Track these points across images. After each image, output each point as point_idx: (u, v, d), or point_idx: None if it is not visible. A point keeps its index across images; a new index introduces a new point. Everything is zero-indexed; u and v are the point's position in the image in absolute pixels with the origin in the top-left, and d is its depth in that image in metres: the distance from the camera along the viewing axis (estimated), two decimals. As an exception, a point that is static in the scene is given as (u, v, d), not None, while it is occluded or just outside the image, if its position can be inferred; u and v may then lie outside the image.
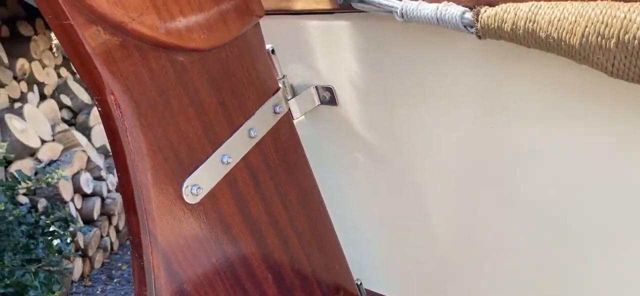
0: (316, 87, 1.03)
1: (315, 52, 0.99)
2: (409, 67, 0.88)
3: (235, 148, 0.87)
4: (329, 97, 1.03)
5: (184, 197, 0.79)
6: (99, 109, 0.71)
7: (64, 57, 4.53)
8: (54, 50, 4.28)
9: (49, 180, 2.42)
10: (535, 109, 0.78)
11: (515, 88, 0.79)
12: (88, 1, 0.62)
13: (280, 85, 0.99)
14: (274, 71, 0.98)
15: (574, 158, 0.78)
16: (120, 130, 0.70)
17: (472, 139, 0.87)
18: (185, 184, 0.79)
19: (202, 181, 0.81)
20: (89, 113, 4.31)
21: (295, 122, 1.03)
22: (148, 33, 0.69)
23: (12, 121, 3.33)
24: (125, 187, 0.74)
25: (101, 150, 4.18)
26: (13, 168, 3.02)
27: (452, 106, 0.86)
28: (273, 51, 0.98)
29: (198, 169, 0.81)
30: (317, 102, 1.04)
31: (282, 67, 1.00)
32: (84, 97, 4.43)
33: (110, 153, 4.30)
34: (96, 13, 0.64)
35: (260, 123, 0.92)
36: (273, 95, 0.96)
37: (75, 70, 0.74)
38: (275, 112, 0.96)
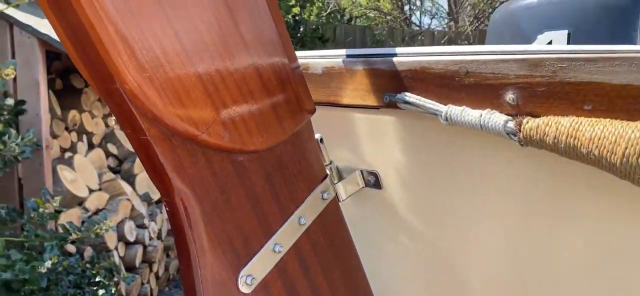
0: (361, 171, 1.08)
1: (361, 141, 1.04)
2: (452, 163, 0.92)
3: (286, 237, 0.92)
4: (373, 181, 1.08)
5: (240, 287, 0.84)
6: (167, 209, 0.77)
7: (111, 107, 4.73)
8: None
9: (98, 231, 2.53)
10: (578, 216, 0.80)
11: (558, 192, 0.82)
12: (163, 119, 0.69)
13: (327, 171, 1.04)
14: (322, 158, 1.04)
15: (620, 268, 0.80)
16: (186, 228, 0.77)
17: (512, 238, 0.90)
18: (240, 275, 0.84)
19: (255, 271, 0.86)
20: (133, 162, 4.47)
21: (342, 201, 1.08)
22: (215, 142, 0.76)
23: (63, 172, 3.49)
24: (186, 279, 0.80)
25: (144, 197, 4.32)
26: (63, 218, 3.16)
27: (493, 204, 0.89)
28: (321, 140, 1.03)
29: (252, 260, 0.86)
30: (362, 185, 1.09)
31: (329, 153, 1.06)
32: (129, 145, 4.61)
33: (153, 201, 4.44)
34: (170, 129, 0.71)
35: (309, 211, 0.97)
36: (321, 182, 1.01)
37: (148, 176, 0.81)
38: (323, 198, 1.01)
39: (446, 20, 9.34)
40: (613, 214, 0.78)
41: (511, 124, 0.76)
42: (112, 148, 4.49)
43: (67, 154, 3.89)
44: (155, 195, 4.47)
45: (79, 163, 3.80)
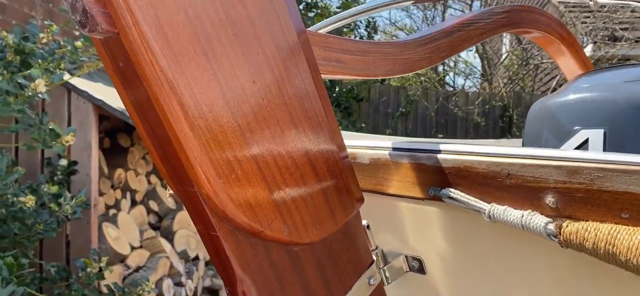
0: (406, 256, 1.14)
1: (406, 229, 1.10)
2: (495, 255, 0.97)
3: (334, 322, 0.97)
4: (417, 266, 1.13)
5: None
6: (229, 297, 0.84)
7: (154, 165, 4.92)
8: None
9: (140, 292, 2.61)
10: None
11: (598, 289, 0.85)
12: (233, 219, 0.77)
13: (373, 256, 1.10)
14: (369, 244, 1.10)
15: None
16: (246, 316, 0.83)
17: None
18: (294, 359, 0.89)
19: (308, 355, 0.91)
20: (173, 218, 4.60)
21: (387, 285, 1.13)
22: (275, 236, 0.83)
23: (108, 229, 3.63)
24: None
25: (182, 254, 4.42)
26: (106, 275, 3.27)
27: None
28: (368, 226, 1.10)
29: (304, 344, 0.91)
30: (406, 269, 1.14)
31: (374, 238, 1.12)
32: (170, 202, 4.75)
33: (190, 259, 4.53)
34: (238, 226, 0.79)
35: (356, 296, 1.02)
36: (368, 268, 1.06)
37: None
38: (369, 284, 1.06)
39: (480, 81, 9.40)
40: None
41: (551, 226, 0.81)
42: (153, 205, 4.64)
43: (112, 211, 4.05)
44: (193, 253, 4.56)
45: (122, 221, 3.94)
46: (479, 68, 9.24)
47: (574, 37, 1.74)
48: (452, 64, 8.96)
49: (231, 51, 0.76)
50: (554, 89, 8.74)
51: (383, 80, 9.69)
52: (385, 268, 1.11)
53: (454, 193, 0.94)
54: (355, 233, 1.05)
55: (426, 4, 8.70)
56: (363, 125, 7.75)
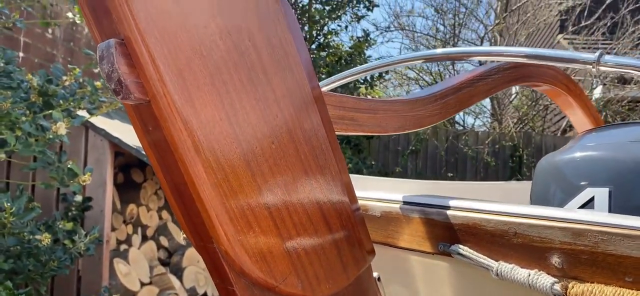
0: (415, 308, 1.16)
1: (416, 281, 1.13)
2: (503, 312, 0.99)
3: None
4: (427, 318, 1.15)
5: None
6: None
7: (165, 200, 4.97)
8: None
9: (150, 330, 2.62)
10: None
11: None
12: (250, 275, 0.81)
13: (383, 308, 1.12)
14: None
15: None
16: None
17: None
18: None
19: None
20: (182, 254, 4.62)
21: (394, 337, 1.15)
22: (289, 291, 0.86)
23: (118, 265, 3.66)
24: None
25: (191, 291, 4.43)
26: (116, 312, 3.29)
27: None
28: (379, 279, 1.12)
29: None
30: (416, 321, 1.16)
31: (385, 291, 1.14)
32: (180, 238, 4.78)
33: (199, 295, 4.53)
34: (254, 281, 0.82)
35: (366, 349, 1.04)
36: (378, 320, 1.09)
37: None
38: (380, 336, 1.08)
39: (490, 121, 9.44)
40: None
41: (557, 287, 0.83)
42: (163, 240, 4.67)
43: (123, 246, 4.09)
44: (201, 289, 4.56)
45: (133, 257, 3.97)
46: (489, 108, 9.30)
47: (581, 89, 1.78)
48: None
49: (246, 99, 0.80)
50: (564, 130, 8.75)
51: (393, 118, 9.73)
52: (395, 319, 1.14)
53: (463, 249, 0.97)
54: (366, 287, 1.07)
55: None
56: (373, 162, 7.78)
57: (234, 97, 0.78)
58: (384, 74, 8.22)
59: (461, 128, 9.19)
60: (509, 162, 7.75)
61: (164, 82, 0.71)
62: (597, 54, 0.96)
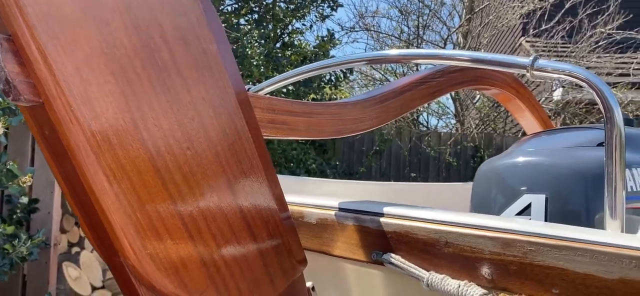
0: (351, 318, 1.12)
1: (351, 291, 1.09)
2: (436, 322, 0.96)
3: None
4: (363, 328, 1.11)
5: None
6: None
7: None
8: None
9: (97, 337, 2.52)
10: None
11: None
12: (159, 288, 0.75)
13: (319, 318, 1.08)
14: (314, 306, 1.08)
15: None
16: None
17: None
18: None
19: None
20: (138, 257, 4.49)
21: (331, 347, 1.11)
22: (207, 306, 0.81)
23: (68, 269, 3.52)
24: None
25: (146, 295, 4.30)
26: (64, 318, 3.16)
27: None
28: (313, 288, 1.08)
29: None
30: (352, 332, 1.13)
31: (320, 300, 1.10)
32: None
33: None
34: (166, 296, 0.76)
35: None
36: (312, 331, 1.04)
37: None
38: (313, 348, 1.04)
39: (453, 122, 9.55)
40: None
41: (486, 299, 0.81)
42: (118, 243, 4.52)
43: (75, 249, 3.94)
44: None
45: (85, 260, 3.83)
46: (452, 109, 9.41)
47: (530, 93, 1.78)
48: (426, 104, 9.09)
49: (156, 101, 0.74)
50: (525, 133, 8.89)
51: (358, 118, 9.75)
52: (330, 330, 1.10)
53: (395, 258, 0.94)
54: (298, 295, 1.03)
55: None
56: (337, 163, 7.76)
57: (142, 98, 0.73)
58: (348, 75, 8.21)
59: (424, 129, 9.27)
60: (471, 162, 7.85)
61: (58, 82, 0.65)
62: (531, 58, 0.95)
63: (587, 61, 8.36)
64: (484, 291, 0.81)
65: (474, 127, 8.62)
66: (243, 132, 0.86)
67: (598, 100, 0.91)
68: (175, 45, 0.77)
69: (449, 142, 7.93)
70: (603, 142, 0.99)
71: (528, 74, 0.94)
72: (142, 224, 0.72)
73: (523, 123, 1.93)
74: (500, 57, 1.01)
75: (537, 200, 1.06)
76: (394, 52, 1.67)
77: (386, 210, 1.00)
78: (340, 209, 1.07)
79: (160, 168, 0.75)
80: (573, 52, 8.56)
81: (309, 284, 1.07)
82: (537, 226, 0.82)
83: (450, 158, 7.83)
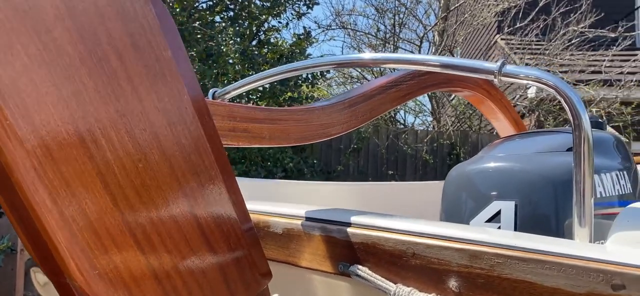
0: (320, 331, 1.09)
1: (319, 303, 1.06)
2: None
3: None
4: (331, 342, 1.08)
5: None
6: None
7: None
8: None
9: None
10: None
11: None
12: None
13: (286, 332, 1.05)
14: (280, 318, 1.04)
15: None
16: None
17: None
18: None
19: None
20: (111, 260, 4.40)
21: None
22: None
23: (36, 275, 3.42)
24: None
25: (119, 299, 4.22)
26: (31, 326, 3.07)
27: None
28: (279, 300, 1.05)
29: None
30: (321, 345, 1.09)
31: (287, 313, 1.07)
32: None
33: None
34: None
35: None
36: (278, 345, 1.01)
37: None
38: None
39: (430, 119, 9.61)
40: None
41: (448, 317, 0.78)
42: (90, 246, 4.42)
43: (43, 254, 3.83)
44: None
45: (54, 265, 3.73)
46: (429, 107, 9.45)
47: (502, 94, 1.77)
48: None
49: (104, 112, 0.69)
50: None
51: (335, 116, 9.72)
52: (298, 343, 1.06)
53: (362, 270, 0.91)
54: (263, 310, 0.99)
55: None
56: (315, 161, 7.73)
57: (88, 109, 0.68)
58: (325, 73, 8.18)
59: (402, 126, 9.30)
60: (447, 159, 7.90)
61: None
62: (498, 63, 0.93)
63: (560, 59, 8.48)
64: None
65: (450, 124, 8.68)
66: (200, 142, 0.82)
67: (566, 107, 0.90)
68: (126, 52, 0.72)
69: (425, 140, 7.97)
70: (572, 147, 0.97)
71: (495, 80, 0.92)
72: (89, 243, 0.68)
73: (496, 125, 1.92)
74: (468, 63, 0.99)
75: (507, 207, 1.04)
76: (366, 56, 1.64)
77: (354, 219, 0.97)
78: (307, 218, 1.03)
79: (109, 183, 0.70)
80: (547, 50, 8.67)
81: (275, 296, 1.04)
82: (504, 237, 0.80)
83: (427, 155, 7.87)
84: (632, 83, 7.89)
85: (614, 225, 0.81)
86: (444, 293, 0.82)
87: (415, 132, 8.32)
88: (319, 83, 8.47)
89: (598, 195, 1.05)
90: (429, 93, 8.54)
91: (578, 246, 0.77)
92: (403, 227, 0.89)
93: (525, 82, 0.91)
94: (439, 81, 1.46)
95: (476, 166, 1.18)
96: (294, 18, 7.72)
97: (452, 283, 0.80)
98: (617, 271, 0.67)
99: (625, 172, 1.13)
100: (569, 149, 1.09)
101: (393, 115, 9.25)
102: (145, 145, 0.74)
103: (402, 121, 9.88)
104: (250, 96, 6.66)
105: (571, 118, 0.89)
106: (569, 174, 1.00)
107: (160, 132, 0.76)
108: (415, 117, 10.43)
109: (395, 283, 0.87)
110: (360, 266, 0.92)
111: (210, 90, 1.35)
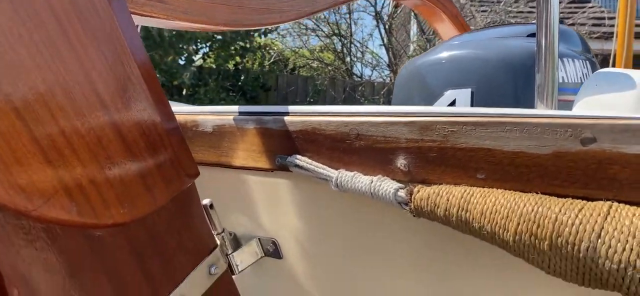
0: (259, 239, 0.98)
1: (258, 207, 0.94)
2: (346, 229, 0.84)
3: (161, 321, 0.80)
4: (272, 250, 0.98)
5: None
6: (-2, 300, 0.64)
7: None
8: None
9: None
10: (477, 288, 0.73)
11: (453, 264, 0.74)
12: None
13: (219, 241, 0.93)
14: (212, 227, 0.93)
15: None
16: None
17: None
18: None
19: None
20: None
21: (238, 274, 0.97)
22: (57, 217, 0.64)
23: None
24: None
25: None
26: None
27: (390, 271, 0.81)
28: (211, 206, 0.93)
29: (116, 353, 0.73)
30: (261, 254, 0.99)
31: (221, 220, 0.95)
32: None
33: None
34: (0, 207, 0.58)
35: (192, 289, 0.85)
36: (209, 254, 0.89)
37: None
38: (210, 273, 0.89)
39: (387, 72, 9.55)
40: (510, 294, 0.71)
41: (402, 193, 0.68)
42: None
43: None
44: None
45: None
46: (386, 59, 9.37)
47: (452, 3, 1.67)
48: (359, 54, 9.02)
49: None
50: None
51: (292, 70, 9.55)
52: (234, 254, 0.95)
53: (300, 160, 0.79)
54: (189, 213, 0.87)
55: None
56: (270, 114, 7.57)
57: None
58: (279, 26, 7.93)
59: (358, 79, 9.21)
60: (404, 111, 7.89)
61: None
62: None
63: (515, 8, 8.52)
64: (400, 185, 0.69)
65: (406, 76, 8.64)
66: (104, 14, 0.68)
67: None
68: None
69: (382, 92, 7.92)
70: (534, 33, 0.88)
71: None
72: None
73: (443, 34, 1.81)
74: None
75: (462, 95, 0.95)
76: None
77: (291, 108, 0.85)
78: (240, 113, 0.91)
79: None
80: (500, 1, 8.68)
81: (206, 201, 0.92)
82: (458, 109, 0.70)
83: (383, 107, 7.84)
84: (584, 34, 8.02)
85: (581, 92, 0.72)
86: (391, 174, 0.71)
87: (372, 84, 8.26)
88: (275, 35, 8.24)
89: (560, 80, 0.97)
90: (387, 43, 8.44)
91: (542, 110, 0.68)
92: (345, 110, 0.78)
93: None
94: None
95: (428, 58, 1.07)
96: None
97: (401, 162, 0.70)
98: (587, 123, 0.58)
99: (588, 62, 1.05)
100: (530, 35, 1.00)
101: (350, 68, 9.14)
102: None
103: (358, 74, 9.80)
104: (198, 43, 6.38)
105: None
106: (530, 59, 0.91)
107: (58, 9, 0.61)
108: (372, 70, 10.36)
109: (337, 170, 0.76)
110: (299, 156, 0.80)
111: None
